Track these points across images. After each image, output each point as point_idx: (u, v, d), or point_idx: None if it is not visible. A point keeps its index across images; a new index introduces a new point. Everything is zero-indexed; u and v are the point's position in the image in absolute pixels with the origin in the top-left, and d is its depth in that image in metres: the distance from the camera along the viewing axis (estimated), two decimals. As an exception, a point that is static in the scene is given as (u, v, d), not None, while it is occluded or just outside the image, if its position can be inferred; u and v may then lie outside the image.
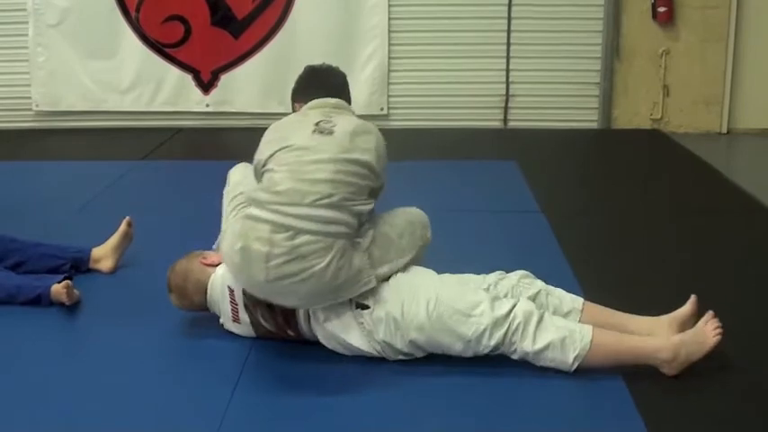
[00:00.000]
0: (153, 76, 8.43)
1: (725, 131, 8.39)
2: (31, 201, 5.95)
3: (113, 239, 4.60)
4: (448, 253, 4.68)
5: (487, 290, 3.64)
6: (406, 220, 3.86)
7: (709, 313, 3.47)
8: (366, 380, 3.45)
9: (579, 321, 3.57)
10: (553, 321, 3.46)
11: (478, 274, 3.82)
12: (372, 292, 3.51)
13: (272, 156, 3.59)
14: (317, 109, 3.78)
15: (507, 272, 3.80)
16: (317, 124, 3.63)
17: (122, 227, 4.63)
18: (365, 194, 3.60)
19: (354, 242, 3.50)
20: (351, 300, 3.51)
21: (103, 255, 4.57)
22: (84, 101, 8.48)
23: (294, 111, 3.96)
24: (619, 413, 3.20)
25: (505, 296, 3.60)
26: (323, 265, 3.35)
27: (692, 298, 3.65)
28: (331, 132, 3.60)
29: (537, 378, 3.42)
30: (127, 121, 8.48)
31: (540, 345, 3.42)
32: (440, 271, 3.79)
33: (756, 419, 3.19)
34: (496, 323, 3.42)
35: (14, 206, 5.76)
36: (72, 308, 4.14)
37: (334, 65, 4.20)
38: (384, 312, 3.48)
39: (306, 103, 3.87)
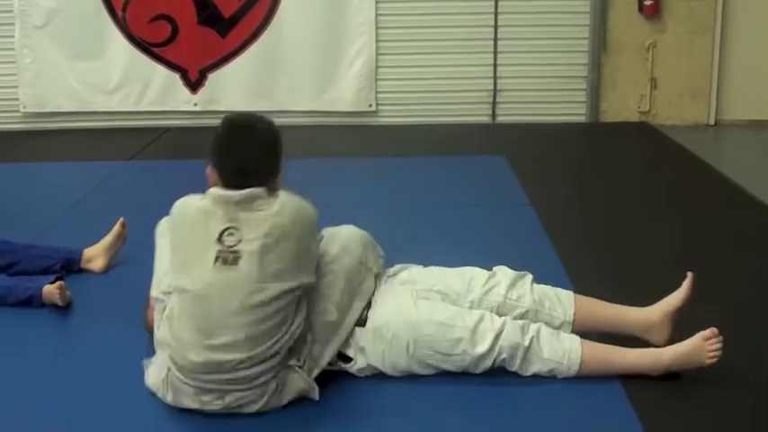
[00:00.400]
0: (140, 75, 8.42)
1: (712, 123, 8.41)
2: (21, 202, 5.93)
3: (106, 240, 4.59)
4: (438, 248, 4.70)
5: (471, 307, 3.51)
6: (349, 256, 3.49)
7: (712, 330, 3.35)
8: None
9: (573, 326, 3.53)
10: (540, 350, 3.38)
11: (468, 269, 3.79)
12: (352, 341, 3.41)
13: (169, 291, 3.24)
14: (220, 207, 3.16)
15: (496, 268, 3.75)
16: (219, 239, 3.10)
17: (116, 227, 4.62)
18: (294, 313, 3.21)
19: (290, 366, 3.22)
20: None
21: (95, 254, 4.56)
22: (71, 102, 8.46)
23: (208, 176, 3.30)
24: (616, 415, 3.18)
25: (491, 312, 3.49)
26: (260, 405, 3.16)
27: (689, 277, 3.58)
28: (236, 261, 3.08)
29: (532, 380, 3.40)
30: (115, 121, 8.47)
31: (527, 374, 3.40)
32: (428, 266, 3.79)
33: (755, 419, 3.18)
34: (480, 358, 3.38)
35: (3, 208, 5.75)
36: (64, 308, 4.13)
37: (263, 118, 3.42)
38: (366, 363, 3.42)
39: (216, 173, 3.25)
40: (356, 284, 3.47)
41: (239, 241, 3.10)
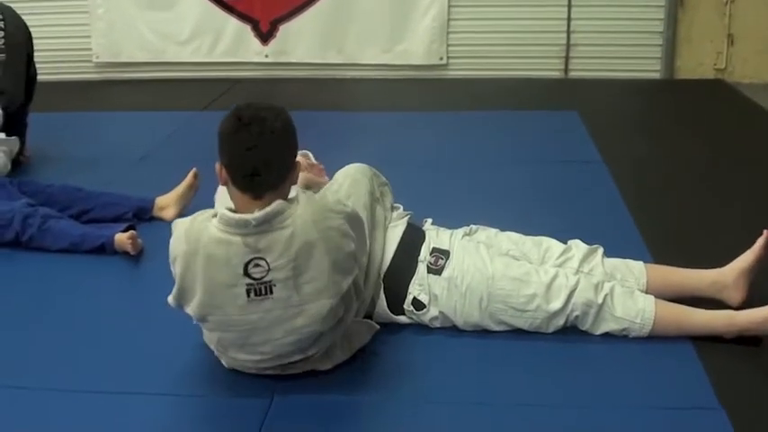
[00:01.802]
0: (212, 26, 8.42)
1: (791, 81, 8.24)
2: (94, 151, 5.99)
3: (179, 189, 4.63)
4: (507, 204, 4.68)
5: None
6: (359, 193, 3.48)
7: None
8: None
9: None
10: (614, 308, 3.36)
11: (541, 229, 3.77)
12: (426, 288, 3.42)
13: (204, 317, 3.05)
14: (236, 234, 2.90)
15: (567, 237, 3.72)
16: (245, 272, 2.89)
17: (189, 177, 4.65)
18: (344, 308, 3.09)
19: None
20: (407, 292, 3.43)
21: (168, 203, 4.60)
22: (143, 52, 8.49)
23: (218, 173, 3.01)
24: (687, 377, 3.15)
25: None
26: (326, 367, 3.18)
27: (764, 235, 3.54)
28: (270, 290, 2.91)
29: (602, 339, 3.39)
30: (186, 72, 8.49)
31: (598, 333, 3.39)
32: (502, 227, 3.76)
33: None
34: (553, 315, 3.37)
35: (76, 157, 5.81)
36: (135, 256, 4.17)
37: (274, 107, 3.01)
38: (438, 312, 3.43)
39: (227, 175, 2.97)
40: (371, 217, 3.48)
41: (267, 271, 2.89)
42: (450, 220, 3.77)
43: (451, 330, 3.45)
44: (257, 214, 2.88)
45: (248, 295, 2.92)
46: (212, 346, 3.20)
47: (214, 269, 2.91)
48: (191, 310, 3.04)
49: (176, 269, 2.99)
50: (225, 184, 3.00)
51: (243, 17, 8.40)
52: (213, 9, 8.37)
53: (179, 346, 3.39)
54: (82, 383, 3.18)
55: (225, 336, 3.05)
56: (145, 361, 3.32)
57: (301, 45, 8.41)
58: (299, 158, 3.13)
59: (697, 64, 8.27)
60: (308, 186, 3.54)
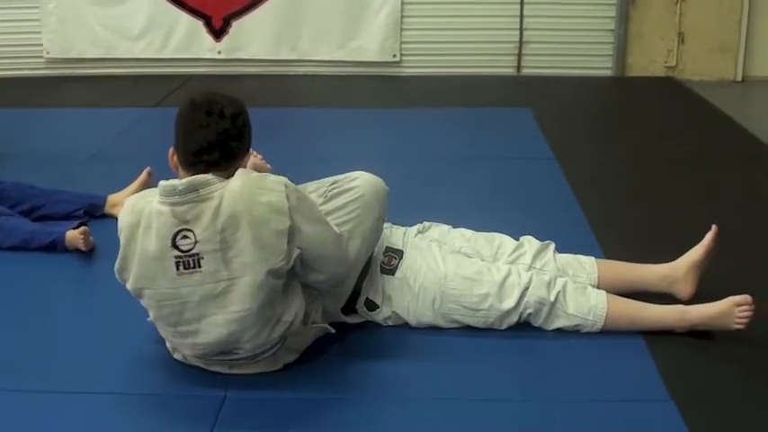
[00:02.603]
0: (164, 22, 8.38)
1: (740, 79, 8.32)
2: (45, 148, 5.93)
3: (132, 186, 4.59)
4: (461, 201, 4.70)
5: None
6: (370, 216, 3.33)
7: (745, 297, 3.29)
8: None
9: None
10: (566, 305, 3.37)
11: (493, 226, 3.79)
12: (379, 288, 3.41)
13: (139, 291, 3.03)
14: (168, 201, 2.90)
15: (519, 233, 3.74)
16: (173, 243, 2.88)
17: (143, 175, 4.62)
18: (284, 301, 3.06)
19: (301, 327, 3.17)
20: (360, 294, 3.41)
21: (120, 200, 4.55)
22: (95, 48, 8.43)
23: (170, 159, 3.05)
24: (638, 370, 3.18)
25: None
26: (273, 369, 3.16)
27: (713, 230, 3.58)
28: (198, 263, 2.89)
29: (555, 334, 3.41)
30: (138, 68, 8.44)
31: (550, 329, 3.40)
32: (455, 223, 3.78)
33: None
34: (506, 314, 3.38)
35: (27, 154, 5.76)
36: (87, 253, 4.14)
37: (229, 96, 3.07)
38: (391, 312, 3.43)
39: (177, 156, 3.01)
40: (373, 241, 3.41)
41: (195, 243, 2.87)
42: (403, 217, 3.77)
43: (404, 327, 3.45)
44: (183, 180, 2.90)
45: (177, 268, 2.91)
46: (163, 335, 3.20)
47: (147, 240, 2.92)
48: (129, 285, 3.03)
49: (121, 239, 3.00)
50: (176, 169, 3.02)
51: (195, 13, 8.36)
52: (165, 4, 8.32)
53: (131, 343, 3.36)
54: (30, 383, 3.14)
55: (160, 314, 3.02)
56: (96, 359, 3.28)
57: (255, 41, 8.39)
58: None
59: (648, 61, 8.35)
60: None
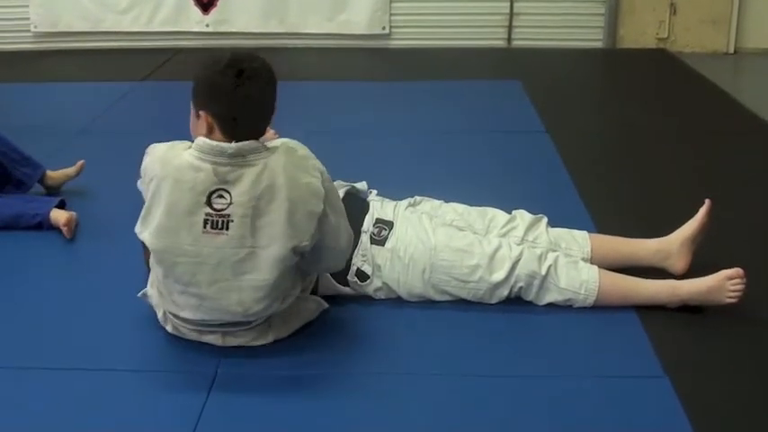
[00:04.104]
0: (151, -5, 8.32)
1: (732, 51, 8.28)
2: (32, 123, 5.88)
3: (68, 171, 4.59)
4: (451, 174, 4.68)
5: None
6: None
7: (737, 271, 3.28)
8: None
9: (590, 263, 3.49)
10: (557, 279, 3.36)
11: (484, 199, 3.77)
12: (369, 258, 3.39)
13: (157, 244, 2.98)
14: (208, 161, 2.91)
15: (511, 207, 3.72)
16: (208, 202, 2.90)
17: (78, 166, 4.60)
18: (293, 277, 3.11)
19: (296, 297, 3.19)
20: (351, 264, 3.39)
21: (56, 177, 4.57)
22: (82, 21, 8.36)
23: (197, 116, 3.01)
24: (631, 345, 3.16)
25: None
26: (264, 341, 3.15)
27: (706, 204, 3.57)
28: (226, 225, 2.90)
29: (547, 309, 3.39)
30: (126, 41, 8.38)
31: (542, 304, 3.39)
32: (446, 197, 3.75)
33: None
34: (496, 286, 3.37)
35: (16, 128, 5.68)
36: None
37: (258, 55, 3.03)
38: (381, 282, 3.42)
39: (218, 127, 2.96)
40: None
41: (229, 204, 2.90)
42: (393, 190, 3.76)
43: (396, 302, 3.44)
44: (234, 144, 2.90)
45: (204, 226, 2.91)
46: (155, 301, 3.18)
47: (178, 193, 2.92)
48: (147, 234, 2.99)
49: (148, 190, 2.98)
50: (208, 133, 2.97)
51: (183, -15, 8.30)
52: (153, -23, 8.26)
53: (119, 320, 3.35)
54: (19, 360, 3.13)
55: (173, 271, 2.99)
56: (85, 336, 3.27)
57: (243, 14, 8.33)
58: None
59: (639, 33, 8.31)
60: None
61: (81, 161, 4.59)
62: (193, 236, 2.92)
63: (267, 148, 2.96)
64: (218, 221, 2.91)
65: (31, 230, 4.12)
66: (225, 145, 2.90)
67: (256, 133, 2.98)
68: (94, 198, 4.45)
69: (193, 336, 3.14)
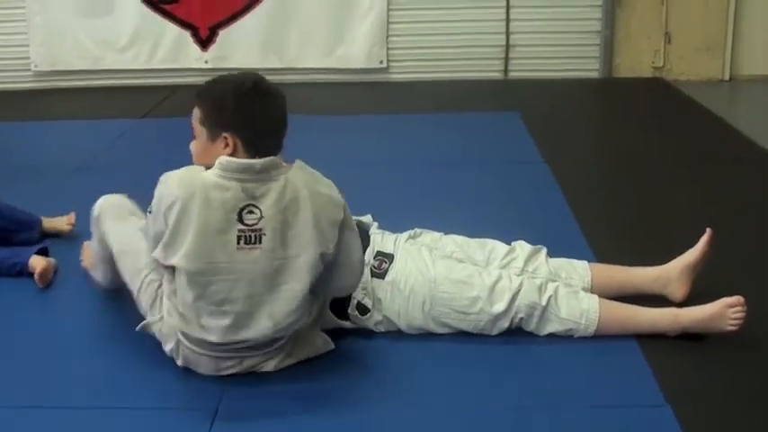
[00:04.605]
0: (151, 33, 8.37)
1: (727, 78, 8.33)
2: (33, 161, 5.91)
3: (63, 219, 4.50)
4: (451, 206, 4.69)
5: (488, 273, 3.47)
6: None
7: (738, 298, 3.29)
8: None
9: (590, 292, 3.51)
10: (558, 309, 3.37)
11: (484, 230, 3.79)
12: (370, 292, 3.42)
13: (190, 266, 2.98)
14: (233, 179, 2.97)
15: (510, 238, 3.73)
16: (239, 217, 2.96)
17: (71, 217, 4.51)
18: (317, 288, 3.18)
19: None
20: (352, 298, 3.42)
21: (55, 225, 4.48)
22: (82, 60, 8.42)
23: (209, 141, 3.08)
24: (633, 374, 3.17)
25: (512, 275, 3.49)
26: (276, 362, 3.18)
27: (707, 233, 3.58)
28: (259, 239, 2.97)
29: (548, 339, 3.40)
30: (126, 79, 8.43)
31: (543, 334, 3.40)
32: (445, 229, 3.77)
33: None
34: (497, 318, 3.38)
35: (15, 167, 5.74)
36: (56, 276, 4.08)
37: (271, 83, 3.21)
38: (381, 316, 3.43)
39: (242, 147, 3.03)
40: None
41: (260, 219, 2.97)
42: (393, 222, 3.78)
43: (396, 334, 3.45)
44: (259, 160, 3.00)
45: (238, 242, 2.97)
46: (167, 330, 3.18)
47: (209, 212, 2.95)
48: (179, 259, 2.99)
49: (172, 213, 2.96)
50: (231, 153, 3.03)
51: (182, 23, 8.36)
52: (152, 15, 8.32)
53: (116, 359, 3.34)
54: (14, 400, 3.12)
55: (206, 291, 3.00)
56: (83, 374, 3.27)
57: (241, 50, 8.38)
58: None
59: (635, 62, 8.36)
60: None
61: (72, 214, 4.50)
62: (228, 253, 2.97)
63: (284, 164, 3.06)
64: (251, 236, 2.97)
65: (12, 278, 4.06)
66: (252, 161, 2.99)
67: (277, 150, 3.09)
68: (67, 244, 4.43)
69: (209, 365, 3.15)
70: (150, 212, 3.09)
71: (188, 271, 2.99)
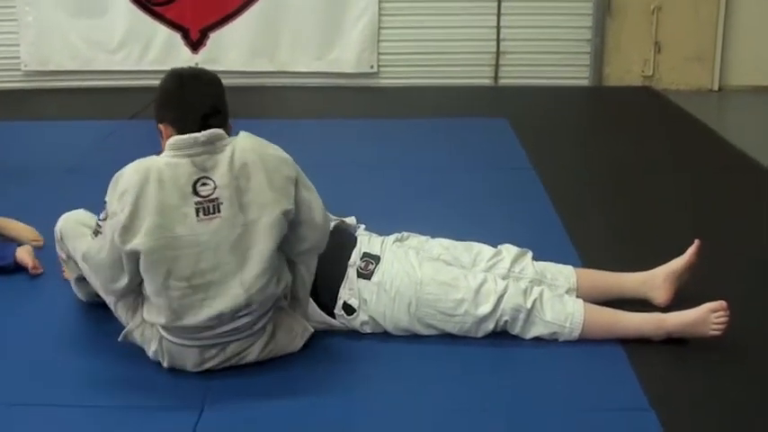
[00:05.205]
0: (142, 34, 8.37)
1: (716, 88, 8.36)
2: (22, 161, 5.91)
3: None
4: (439, 211, 4.70)
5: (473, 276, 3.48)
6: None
7: (720, 303, 3.31)
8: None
9: (576, 293, 3.55)
10: (543, 312, 3.38)
11: (471, 236, 3.79)
12: (356, 292, 3.43)
13: (153, 243, 3.00)
14: (185, 153, 3.05)
15: (497, 243, 3.74)
16: (194, 191, 3.02)
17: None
18: (284, 257, 3.24)
19: (281, 307, 3.28)
20: (338, 297, 3.44)
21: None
22: (73, 60, 8.42)
23: (160, 133, 3.21)
24: (617, 378, 3.18)
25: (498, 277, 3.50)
26: (258, 351, 3.22)
27: (695, 244, 3.61)
28: (217, 208, 3.02)
29: (533, 343, 3.41)
30: (116, 80, 8.43)
31: (527, 337, 3.41)
32: (433, 233, 3.79)
33: (753, 386, 3.17)
34: (482, 320, 3.39)
35: (5, 167, 5.73)
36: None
37: (203, 69, 3.48)
38: (367, 316, 3.44)
39: (173, 129, 3.13)
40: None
41: (214, 189, 3.04)
42: (380, 227, 3.78)
43: (382, 336, 3.46)
44: (203, 132, 3.07)
45: (197, 214, 3.03)
46: (148, 333, 3.19)
47: (164, 191, 3.01)
48: (139, 240, 2.99)
49: (126, 199, 3.01)
50: (169, 138, 3.13)
51: (173, 25, 8.36)
52: (143, 17, 8.32)
53: (102, 359, 3.34)
54: (8, 397, 3.12)
55: (174, 267, 3.01)
56: (69, 373, 3.27)
57: (232, 53, 8.39)
58: None
59: (625, 71, 8.38)
60: None
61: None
62: (189, 226, 3.02)
63: (229, 135, 3.16)
64: (209, 207, 3.03)
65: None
66: (196, 134, 3.07)
67: (219, 127, 3.14)
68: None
69: (193, 357, 3.16)
70: (100, 223, 3.16)
71: (151, 248, 3.00)
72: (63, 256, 3.65)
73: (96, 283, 3.33)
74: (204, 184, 3.04)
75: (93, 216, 3.50)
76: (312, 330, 3.33)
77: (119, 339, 3.27)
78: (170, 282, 3.04)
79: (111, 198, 3.08)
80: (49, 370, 3.29)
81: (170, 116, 3.18)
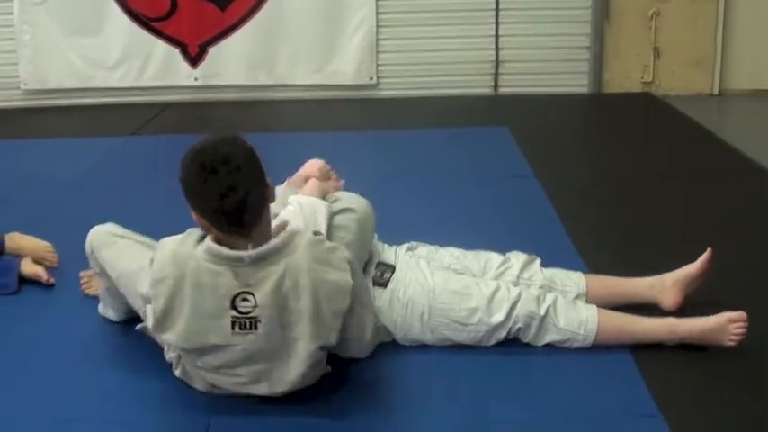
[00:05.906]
0: (140, 51, 8.37)
1: (716, 93, 8.35)
2: (22, 179, 5.90)
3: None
4: (442, 221, 4.69)
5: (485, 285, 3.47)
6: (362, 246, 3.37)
7: (740, 314, 3.29)
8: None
9: (587, 298, 3.54)
10: (556, 319, 3.36)
11: (476, 245, 3.79)
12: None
13: (185, 344, 2.96)
14: (227, 267, 2.85)
15: (502, 252, 3.75)
16: (232, 305, 2.85)
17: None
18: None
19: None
20: None
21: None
22: (72, 78, 8.42)
23: (197, 221, 2.91)
24: (626, 385, 3.17)
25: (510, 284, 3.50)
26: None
27: (707, 252, 3.60)
28: (255, 325, 2.87)
29: (541, 350, 3.40)
30: (115, 97, 8.43)
31: (540, 344, 3.40)
32: (438, 242, 3.78)
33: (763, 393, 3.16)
34: (495, 328, 3.37)
35: (4, 185, 5.73)
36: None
37: (229, 136, 2.88)
38: (380, 324, 3.41)
39: (205, 220, 2.86)
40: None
41: (254, 307, 2.84)
42: (387, 237, 3.77)
43: (392, 346, 3.44)
44: (251, 252, 2.84)
45: (233, 328, 2.87)
46: (180, 369, 3.17)
47: (201, 296, 2.85)
48: (172, 336, 2.95)
49: (162, 290, 2.89)
50: (208, 230, 2.89)
51: (171, 41, 8.36)
52: (141, 33, 8.32)
53: (107, 372, 3.34)
54: (15, 411, 3.10)
55: (201, 358, 2.98)
56: (74, 387, 3.25)
57: (231, 68, 8.39)
58: (315, 168, 3.62)
59: (624, 78, 8.38)
60: (322, 196, 3.55)
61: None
62: (223, 336, 2.89)
63: (286, 246, 2.89)
64: (245, 323, 2.86)
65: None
66: (242, 254, 2.83)
67: (255, 222, 2.87)
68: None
69: (204, 384, 3.12)
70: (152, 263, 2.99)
71: (183, 347, 2.99)
72: (97, 270, 3.54)
73: (127, 290, 3.32)
74: (245, 300, 2.84)
75: (120, 228, 3.50)
76: (329, 369, 3.20)
77: (136, 328, 3.25)
78: (200, 362, 3.02)
79: (151, 271, 2.94)
80: (52, 383, 3.27)
81: (199, 211, 2.86)
